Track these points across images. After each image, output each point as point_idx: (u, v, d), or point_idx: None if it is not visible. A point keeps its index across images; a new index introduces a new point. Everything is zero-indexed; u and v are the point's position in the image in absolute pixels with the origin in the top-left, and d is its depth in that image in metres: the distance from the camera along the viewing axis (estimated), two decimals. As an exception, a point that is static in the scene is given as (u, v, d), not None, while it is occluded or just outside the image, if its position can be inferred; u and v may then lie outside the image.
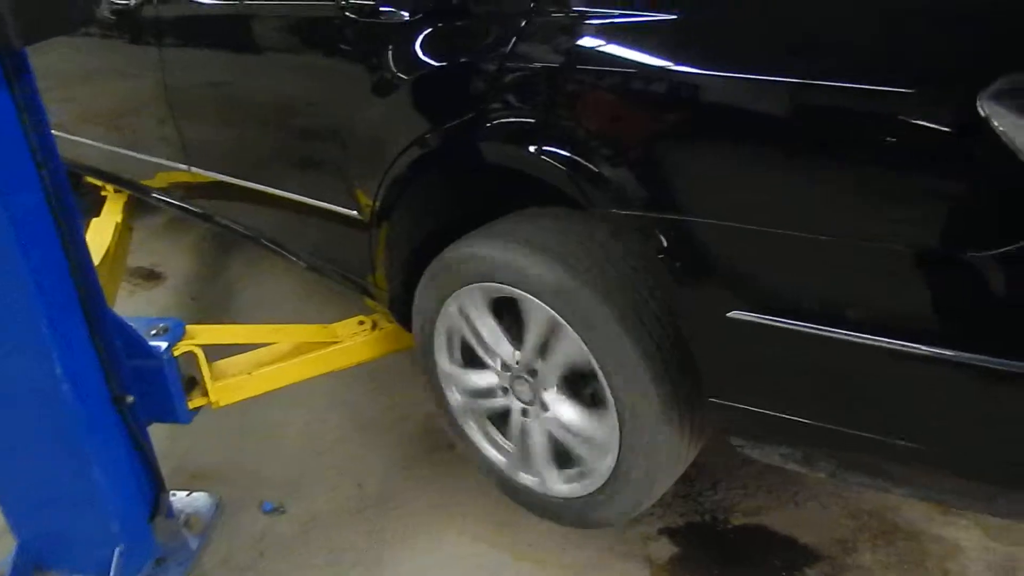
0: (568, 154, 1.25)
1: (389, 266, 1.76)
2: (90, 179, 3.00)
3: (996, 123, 0.87)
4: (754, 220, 1.08)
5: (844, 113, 0.99)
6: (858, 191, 1.01)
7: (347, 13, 1.56)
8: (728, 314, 1.14)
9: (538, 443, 1.59)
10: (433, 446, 2.03)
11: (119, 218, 2.75)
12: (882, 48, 0.98)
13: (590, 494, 1.55)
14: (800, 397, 1.18)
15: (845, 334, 1.05)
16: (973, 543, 1.64)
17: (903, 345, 1.01)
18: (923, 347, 1.00)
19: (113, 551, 1.56)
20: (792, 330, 1.09)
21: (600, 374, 1.39)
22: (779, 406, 1.20)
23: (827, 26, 1.02)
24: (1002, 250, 0.90)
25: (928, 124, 0.92)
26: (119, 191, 2.95)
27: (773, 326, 1.11)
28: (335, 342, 1.93)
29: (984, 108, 0.87)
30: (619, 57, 1.18)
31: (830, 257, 1.04)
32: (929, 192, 0.97)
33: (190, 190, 2.42)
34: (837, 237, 1.03)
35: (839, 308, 1.06)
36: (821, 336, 1.07)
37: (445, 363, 1.71)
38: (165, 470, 1.71)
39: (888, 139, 0.96)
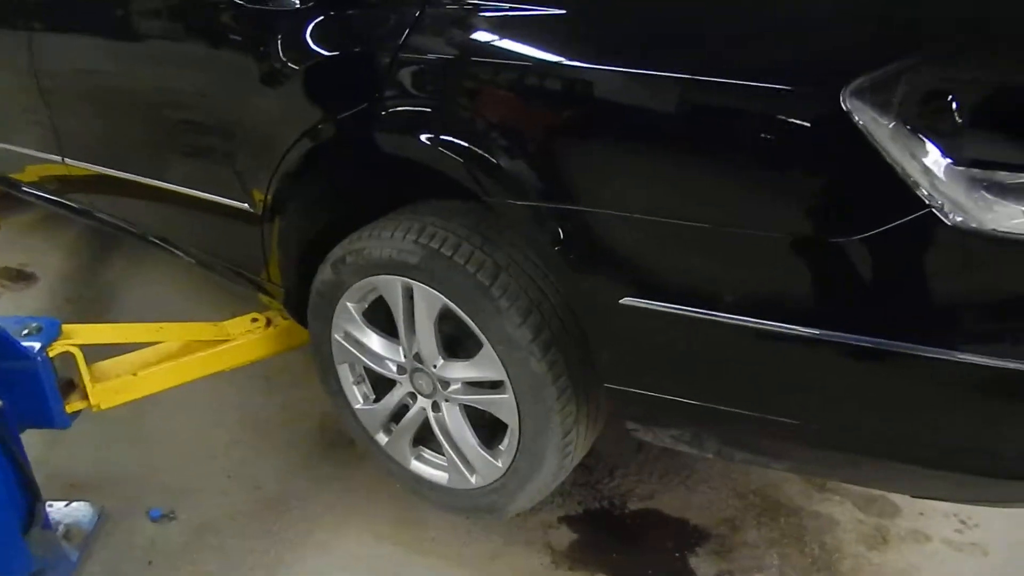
0: (464, 144, 1.26)
1: (283, 260, 1.72)
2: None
3: (857, 118, 0.94)
4: (642, 209, 1.13)
5: (723, 108, 1.05)
6: (735, 181, 1.07)
7: (235, -1, 1.51)
8: (620, 301, 1.18)
9: (460, 429, 1.57)
10: (330, 444, 2.00)
11: (-16, 214, 2.57)
12: (759, 46, 1.04)
13: (489, 485, 1.56)
14: (687, 379, 1.24)
15: (725, 317, 1.11)
16: (847, 517, 1.76)
17: (775, 326, 1.08)
18: (793, 327, 1.07)
19: (-19, 567, 1.45)
20: (679, 314, 1.14)
21: (502, 367, 1.40)
22: (669, 389, 1.25)
23: (709, 24, 1.07)
24: (863, 235, 0.98)
25: (798, 119, 0.99)
26: (-16, 185, 2.74)
27: (662, 311, 1.16)
28: (227, 340, 1.86)
29: (847, 104, 0.94)
30: (511, 51, 1.20)
31: (711, 244, 1.10)
32: (798, 182, 1.04)
33: (65, 183, 2.28)
34: (717, 225, 1.08)
35: (720, 292, 1.12)
36: (704, 319, 1.13)
37: (359, 403, 1.72)
38: (42, 479, 1.59)
39: (763, 132, 1.02)
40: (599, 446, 1.61)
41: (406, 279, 1.47)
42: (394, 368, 1.61)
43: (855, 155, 0.96)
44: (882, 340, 1.02)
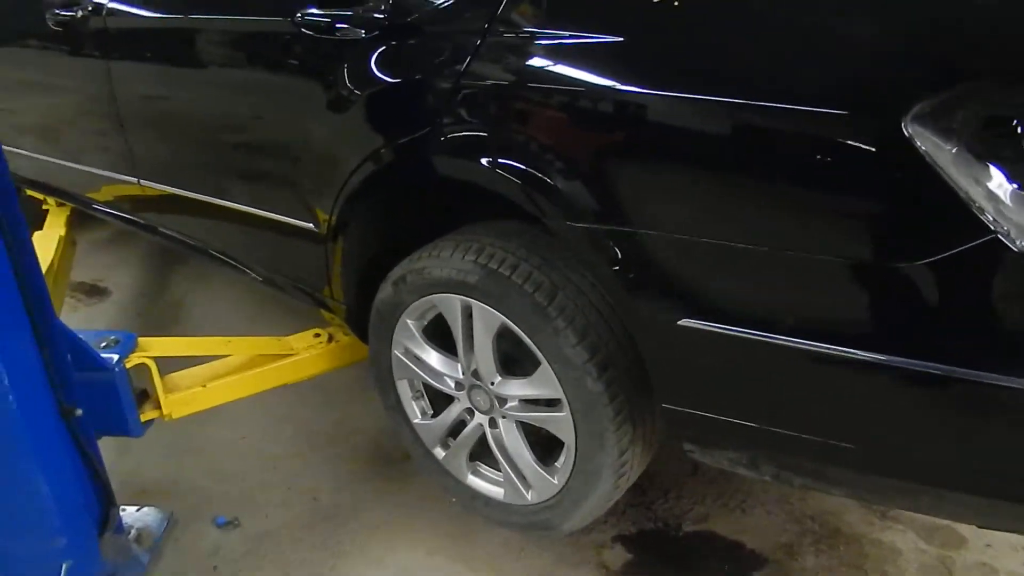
0: (522, 167, 1.29)
1: (346, 278, 1.77)
2: (31, 192, 2.93)
3: (919, 143, 0.94)
4: (699, 232, 1.14)
5: (781, 132, 1.06)
6: (794, 206, 1.08)
7: (302, 29, 1.58)
8: (679, 322, 1.19)
9: (517, 446, 1.60)
10: (386, 459, 2.04)
11: (62, 231, 2.70)
12: (817, 71, 1.05)
13: (557, 495, 1.56)
14: (744, 401, 1.24)
15: (784, 340, 1.11)
16: (909, 546, 1.72)
17: (835, 350, 1.08)
18: (853, 351, 1.06)
19: (60, 568, 1.52)
20: (738, 337, 1.15)
21: (559, 388, 1.42)
22: (726, 411, 1.25)
23: (766, 49, 1.08)
24: (926, 261, 0.97)
25: (858, 144, 0.99)
26: (62, 204, 2.89)
27: (720, 333, 1.16)
28: (290, 354, 1.93)
29: (908, 129, 0.94)
30: (568, 76, 1.22)
31: (770, 267, 1.10)
32: (859, 207, 1.04)
33: (139, 203, 2.39)
34: (777, 249, 1.09)
35: (781, 315, 1.12)
36: (762, 342, 1.13)
37: (417, 418, 1.76)
38: (115, 484, 1.67)
39: (822, 157, 1.02)
40: (654, 467, 1.61)
41: (465, 298, 1.50)
42: (452, 384, 1.64)
43: (917, 180, 0.96)
44: (944, 366, 1.01)
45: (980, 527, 1.33)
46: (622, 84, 1.18)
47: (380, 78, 1.50)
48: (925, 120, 0.94)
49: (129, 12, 2.05)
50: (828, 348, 1.08)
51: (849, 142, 1.00)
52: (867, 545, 1.73)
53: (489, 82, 1.34)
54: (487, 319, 1.48)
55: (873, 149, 0.99)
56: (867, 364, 1.06)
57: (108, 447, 1.68)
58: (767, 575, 1.66)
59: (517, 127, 1.33)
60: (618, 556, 1.72)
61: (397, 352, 1.70)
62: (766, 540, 1.74)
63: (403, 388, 1.76)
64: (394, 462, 2.01)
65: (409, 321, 1.64)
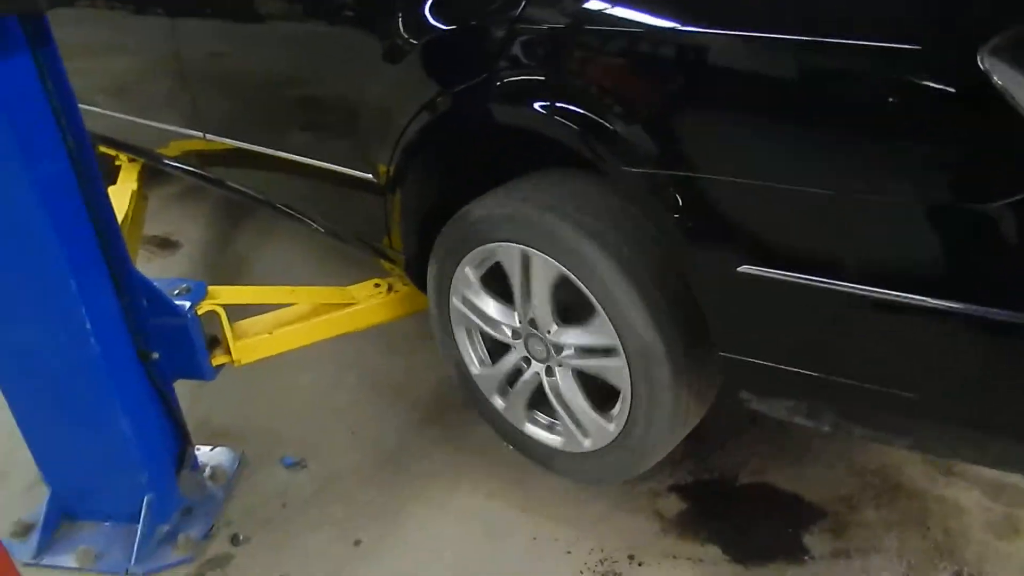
0: (579, 111, 1.28)
1: (404, 229, 1.80)
2: (104, 148, 3.04)
3: (996, 78, 0.89)
4: (763, 176, 1.11)
5: (849, 70, 1.01)
6: (864, 146, 1.04)
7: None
8: (738, 269, 1.18)
9: (573, 393, 1.61)
10: (446, 407, 2.08)
11: (135, 186, 2.79)
12: (885, 6, 1.00)
13: (612, 443, 1.58)
14: (805, 350, 1.22)
15: (847, 286, 1.09)
16: (973, 503, 1.68)
17: (900, 296, 1.05)
18: (919, 298, 1.03)
19: (142, 500, 1.62)
20: (799, 283, 1.13)
21: (615, 336, 1.42)
22: (785, 359, 1.23)
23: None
24: (1002, 202, 0.93)
25: (931, 81, 0.95)
26: (133, 160, 2.99)
27: (781, 280, 1.14)
28: (352, 304, 1.98)
29: (984, 63, 0.90)
30: (625, 18, 1.20)
31: (837, 211, 1.07)
32: (933, 146, 0.99)
33: (205, 157, 2.45)
34: (842, 192, 1.06)
35: (842, 261, 1.10)
36: (824, 289, 1.11)
37: (475, 367, 1.78)
38: (190, 425, 1.77)
39: (893, 95, 0.98)
40: (712, 418, 1.60)
41: (523, 247, 1.50)
42: (509, 333, 1.66)
43: (994, 117, 0.92)
44: (1009, 312, 0.98)
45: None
46: (681, 24, 1.15)
47: (434, 25, 1.49)
48: (1003, 53, 0.89)
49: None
50: (892, 295, 1.06)
51: (921, 79, 0.95)
52: (930, 501, 1.69)
53: (544, 26, 1.32)
54: (544, 267, 1.49)
55: (947, 86, 0.94)
56: (935, 311, 1.03)
57: (182, 391, 1.78)
58: (826, 528, 1.65)
59: (573, 71, 1.31)
60: (673, 505, 1.74)
61: (455, 300, 1.73)
62: (824, 493, 1.73)
63: (461, 336, 1.79)
64: (455, 410, 2.05)
65: (467, 270, 1.66)
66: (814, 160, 1.08)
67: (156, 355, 1.59)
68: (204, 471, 1.83)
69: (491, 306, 1.67)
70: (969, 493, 1.70)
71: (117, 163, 3.04)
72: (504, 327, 1.66)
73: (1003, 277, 1.00)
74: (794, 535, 1.64)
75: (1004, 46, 0.89)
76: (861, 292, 1.08)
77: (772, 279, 1.15)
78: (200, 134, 2.36)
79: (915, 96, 0.97)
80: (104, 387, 1.52)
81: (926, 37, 0.96)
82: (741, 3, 1.11)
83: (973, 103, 0.93)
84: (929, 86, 0.95)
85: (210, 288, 1.77)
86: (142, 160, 2.93)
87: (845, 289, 1.09)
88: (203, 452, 1.90)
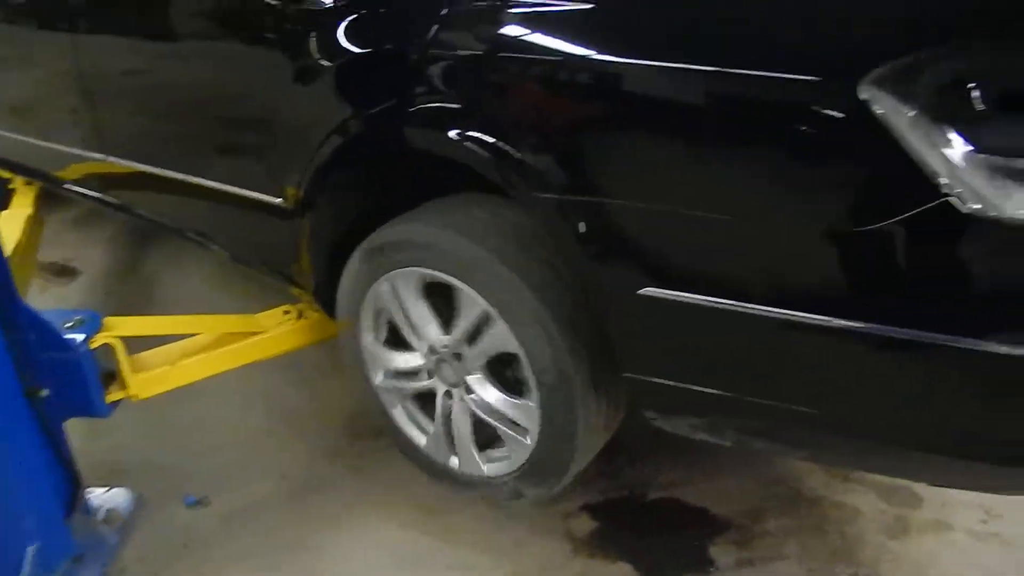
0: (490, 139, 1.30)
1: (314, 253, 1.77)
2: (-3, 171, 2.88)
3: (876, 107, 0.96)
4: (665, 201, 1.15)
5: (743, 98, 1.07)
6: (755, 172, 1.09)
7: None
8: (639, 291, 1.21)
9: (463, 424, 1.63)
10: (356, 435, 2.04)
11: (30, 211, 2.65)
12: (778, 36, 1.06)
13: (513, 472, 1.59)
14: (704, 368, 1.26)
15: (742, 306, 1.13)
16: (869, 507, 1.76)
17: (794, 315, 1.10)
18: (813, 316, 1.08)
19: (26, 549, 1.51)
20: (698, 304, 1.17)
21: (522, 356, 1.44)
22: (687, 378, 1.27)
23: (729, 15, 1.09)
24: (882, 224, 0.99)
25: (817, 109, 1.01)
26: (29, 183, 2.84)
27: (680, 301, 1.18)
28: (260, 332, 1.92)
29: (864, 92, 0.96)
30: (538, 45, 1.23)
31: (731, 234, 1.12)
32: (818, 172, 1.05)
33: (107, 180, 2.35)
34: (737, 215, 1.10)
35: (742, 282, 1.14)
36: (721, 309, 1.15)
37: (370, 342, 1.73)
38: (83, 465, 1.66)
39: (782, 123, 1.04)
40: (620, 435, 1.63)
41: (432, 271, 1.50)
42: (424, 348, 1.64)
43: (874, 144, 0.98)
44: (903, 329, 1.03)
45: (934, 485, 1.36)
46: (589, 53, 1.18)
47: (347, 48, 1.48)
48: (883, 84, 0.96)
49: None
50: (786, 313, 1.10)
51: (808, 107, 1.01)
52: (828, 507, 1.77)
53: (456, 52, 1.34)
54: (461, 296, 1.49)
55: (833, 113, 1.00)
56: (827, 329, 1.08)
57: (79, 427, 1.68)
58: (731, 539, 1.70)
59: (484, 98, 1.33)
60: (584, 524, 1.75)
61: (365, 326, 1.70)
62: (730, 505, 1.78)
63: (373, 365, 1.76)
64: (366, 438, 2.02)
65: (377, 293, 1.64)
66: (710, 185, 1.12)
67: (45, 392, 1.50)
68: (98, 514, 1.72)
69: (403, 331, 1.65)
70: (865, 497, 1.79)
71: (11, 186, 2.88)
72: (415, 355, 1.65)
73: (894, 295, 1.05)
74: (701, 547, 1.68)
75: (885, 77, 0.96)
76: (758, 312, 1.12)
77: (672, 300, 1.19)
78: (102, 156, 2.27)
79: (801, 124, 1.02)
80: (-15, 426, 1.42)
81: (813, 67, 1.01)
82: (648, 34, 1.15)
83: (854, 131, 0.99)
84: (814, 114, 1.01)
85: (106, 319, 1.68)
86: (39, 183, 2.79)
87: (743, 309, 1.13)
88: (97, 494, 1.79)
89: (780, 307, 1.11)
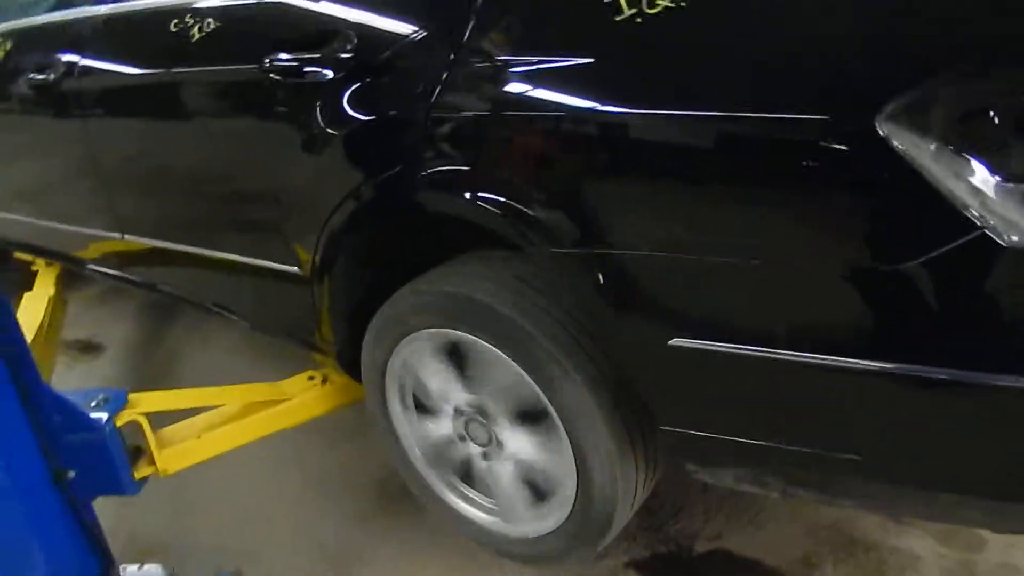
0: (501, 198, 1.28)
1: (334, 319, 1.75)
2: (19, 254, 2.93)
3: (895, 142, 0.92)
4: (682, 249, 1.12)
5: (756, 142, 1.04)
6: (776, 215, 1.05)
7: (271, 75, 1.57)
8: (669, 342, 1.17)
9: (507, 483, 1.58)
10: (389, 497, 2.00)
11: (52, 291, 2.68)
12: (786, 78, 1.03)
13: (556, 530, 1.54)
14: (744, 418, 1.21)
15: (777, 353, 1.09)
16: (928, 551, 1.67)
17: (830, 360, 1.05)
18: (849, 360, 1.03)
19: (59, 636, 1.48)
20: (731, 353, 1.12)
21: (553, 413, 1.40)
22: (726, 429, 1.22)
23: (734, 60, 1.07)
24: (914, 262, 0.95)
25: (837, 148, 0.97)
26: (51, 264, 2.88)
27: (712, 351, 1.14)
28: (285, 399, 1.90)
29: (883, 129, 0.92)
30: (541, 101, 1.21)
31: (761, 279, 1.08)
32: (843, 212, 1.01)
33: (125, 258, 2.37)
34: (765, 260, 1.06)
35: (773, 328, 1.10)
36: (755, 356, 1.10)
37: (399, 413, 1.70)
38: (115, 544, 1.63)
39: (802, 164, 1.00)
40: (662, 487, 1.57)
41: (454, 330, 1.47)
42: (451, 410, 1.61)
43: (898, 180, 0.94)
44: (942, 369, 0.98)
45: (995, 532, 1.29)
46: (594, 105, 1.16)
47: (353, 116, 1.48)
48: (899, 118, 0.92)
49: (99, 70, 2.05)
50: (823, 358, 1.06)
51: (828, 147, 0.97)
52: (885, 552, 1.68)
53: (460, 113, 1.33)
54: (476, 349, 1.46)
55: (851, 152, 0.96)
56: (864, 372, 1.03)
57: (109, 505, 1.66)
58: (786, 591, 1.62)
59: (492, 157, 1.31)
60: (632, 582, 1.69)
61: (391, 390, 1.68)
62: (782, 554, 1.70)
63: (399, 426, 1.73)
64: (399, 500, 1.97)
65: (402, 356, 1.62)
66: (731, 230, 1.09)
67: (72, 473, 1.48)
68: (131, 594, 1.69)
69: (434, 383, 1.62)
70: (923, 541, 1.70)
71: (34, 268, 2.93)
72: (445, 419, 1.61)
73: (928, 334, 1.00)
74: (756, 602, 1.61)
75: (900, 111, 0.92)
76: (790, 358, 1.08)
77: (704, 350, 1.14)
78: (118, 235, 2.29)
79: (821, 165, 0.99)
80: (14, 512, 1.40)
81: (826, 107, 0.98)
82: (652, 83, 1.13)
83: (877, 169, 0.95)
84: (834, 154, 0.97)
85: (131, 396, 1.68)
86: (60, 264, 2.83)
87: (774, 356, 1.09)
88: (130, 572, 1.76)
89: (811, 352, 1.07)
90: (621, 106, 1.13)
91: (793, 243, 1.05)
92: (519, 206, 1.26)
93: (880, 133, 0.92)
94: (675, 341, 1.16)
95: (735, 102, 1.04)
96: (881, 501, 1.21)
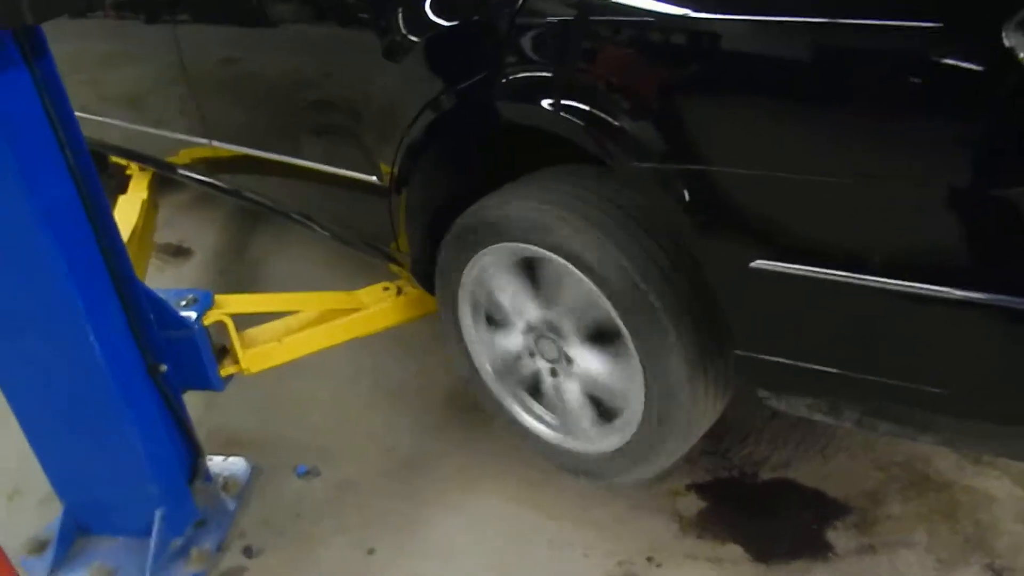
0: (585, 107, 1.24)
1: (411, 231, 1.77)
2: (115, 159, 3.04)
3: (1022, 55, 0.85)
4: (776, 167, 1.07)
5: (866, 52, 0.97)
6: (883, 131, 0.99)
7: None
8: (751, 264, 1.14)
9: (574, 401, 1.60)
10: (460, 408, 2.06)
11: (145, 195, 2.78)
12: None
13: (621, 448, 1.55)
14: (825, 346, 1.17)
15: (866, 279, 1.04)
16: (1004, 493, 1.63)
17: (922, 288, 1.00)
18: (949, 289, 0.99)
19: (154, 514, 1.61)
20: (816, 278, 1.09)
21: (625, 334, 1.39)
22: (804, 356, 1.19)
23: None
24: (1027, 186, 0.89)
25: (953, 59, 0.90)
26: (144, 169, 2.98)
27: (797, 274, 1.10)
28: (361, 308, 1.95)
29: (1009, 39, 0.85)
30: (630, 6, 1.16)
31: (853, 200, 1.03)
32: (956, 129, 0.95)
33: (212, 165, 2.44)
34: (862, 180, 1.01)
35: (864, 253, 1.05)
36: (843, 282, 1.06)
37: (470, 326, 1.72)
38: (202, 436, 1.75)
39: (913, 76, 0.94)
40: (730, 413, 1.56)
41: (528, 245, 1.47)
42: (522, 325, 1.62)
43: (1021, 96, 0.87)
44: None
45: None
46: (685, 11, 1.10)
47: (435, 21, 1.46)
48: None
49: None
50: (917, 287, 1.01)
51: (942, 58, 0.91)
52: (958, 492, 1.64)
53: (545, 19, 1.28)
54: (551, 266, 1.45)
55: (970, 64, 0.89)
56: (960, 302, 0.99)
57: (195, 401, 1.76)
58: (851, 523, 1.61)
59: (577, 65, 1.27)
60: (692, 504, 1.70)
61: (463, 302, 1.70)
62: (849, 487, 1.68)
63: (470, 338, 1.76)
64: (469, 411, 2.03)
65: (475, 271, 1.63)
66: (829, 148, 1.03)
67: (164, 368, 1.57)
68: (217, 482, 1.81)
69: (507, 296, 1.63)
70: (999, 483, 1.65)
71: (128, 172, 3.04)
72: (515, 334, 1.63)
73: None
74: (818, 532, 1.60)
75: None
76: (883, 285, 1.03)
77: (788, 274, 1.11)
78: (206, 141, 2.35)
79: (935, 76, 0.92)
80: (113, 402, 1.50)
81: (946, 13, 0.91)
82: None
83: (996, 83, 0.88)
84: (950, 65, 0.90)
85: (217, 297, 1.75)
86: (152, 169, 2.93)
87: (866, 282, 1.04)
88: (216, 463, 1.89)
89: (903, 278, 1.02)
90: (715, 12, 1.07)
91: (893, 162, 0.99)
92: (604, 116, 1.22)
93: (1006, 44, 0.85)
94: (758, 263, 1.13)
95: (839, 7, 0.97)
96: (964, 437, 1.18)
